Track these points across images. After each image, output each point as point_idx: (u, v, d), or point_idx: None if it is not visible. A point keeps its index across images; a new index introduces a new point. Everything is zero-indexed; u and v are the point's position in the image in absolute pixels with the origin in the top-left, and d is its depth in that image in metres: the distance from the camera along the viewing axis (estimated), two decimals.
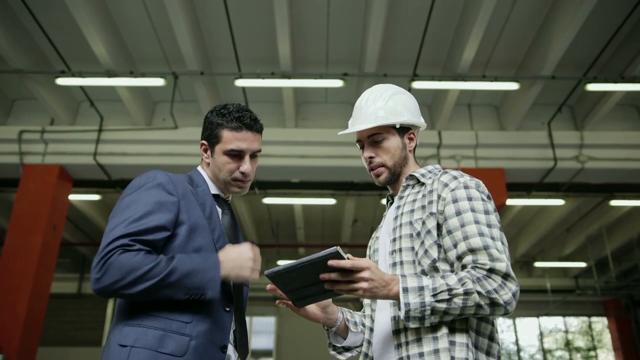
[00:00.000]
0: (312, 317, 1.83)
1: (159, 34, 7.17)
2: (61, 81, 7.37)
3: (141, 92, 8.17)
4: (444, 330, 1.53)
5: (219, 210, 1.86)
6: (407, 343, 1.57)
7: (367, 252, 1.96)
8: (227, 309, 1.73)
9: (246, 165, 1.85)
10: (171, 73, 7.38)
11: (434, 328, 1.54)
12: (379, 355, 1.71)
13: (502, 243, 1.58)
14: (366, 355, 1.77)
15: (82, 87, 7.77)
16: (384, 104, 1.84)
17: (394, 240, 1.73)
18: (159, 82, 7.34)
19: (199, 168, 1.94)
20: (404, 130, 1.86)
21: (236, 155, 1.84)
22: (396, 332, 1.62)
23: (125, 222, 1.60)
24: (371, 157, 1.85)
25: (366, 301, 1.87)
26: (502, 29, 6.99)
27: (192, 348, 1.59)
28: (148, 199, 1.65)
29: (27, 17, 6.60)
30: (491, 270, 1.49)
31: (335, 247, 1.41)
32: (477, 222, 1.58)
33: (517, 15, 6.79)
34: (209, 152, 1.89)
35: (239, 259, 1.65)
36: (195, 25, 6.87)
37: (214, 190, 1.89)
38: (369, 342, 1.78)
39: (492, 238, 1.56)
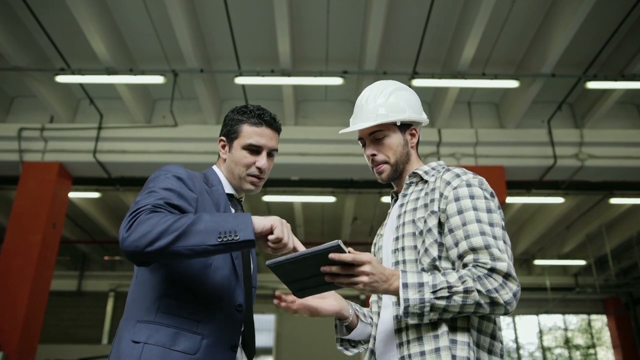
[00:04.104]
0: (328, 309, 1.81)
1: (158, 32, 7.16)
2: (61, 79, 7.36)
3: (141, 89, 8.16)
4: (445, 329, 1.52)
5: (232, 210, 1.87)
6: (408, 342, 1.57)
7: (372, 249, 1.96)
8: (239, 309, 1.73)
9: (263, 161, 1.87)
10: (171, 71, 7.38)
11: (435, 327, 1.53)
12: (381, 353, 1.71)
13: (504, 242, 1.57)
14: (372, 351, 1.77)
15: (81, 85, 7.77)
16: (384, 100, 1.83)
17: (397, 238, 1.72)
18: (158, 79, 7.34)
19: (214, 167, 1.95)
20: (405, 126, 1.85)
21: (254, 150, 1.86)
22: (398, 331, 1.61)
23: (151, 197, 1.60)
24: (373, 155, 1.85)
25: (372, 298, 1.87)
26: (502, 26, 6.99)
27: (203, 346, 1.59)
28: (171, 185, 1.66)
29: (26, 15, 6.59)
30: (492, 270, 1.48)
31: (337, 240, 1.41)
32: (478, 220, 1.57)
33: (517, 13, 6.79)
34: (226, 147, 1.92)
35: (267, 217, 1.60)
36: (195, 22, 6.86)
37: (228, 189, 1.89)
38: (375, 338, 1.78)
39: (494, 237, 1.55)
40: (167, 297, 1.63)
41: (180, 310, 1.61)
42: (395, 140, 1.83)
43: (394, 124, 1.82)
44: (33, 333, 7.27)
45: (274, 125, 1.91)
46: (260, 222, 1.54)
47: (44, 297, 7.63)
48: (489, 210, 1.60)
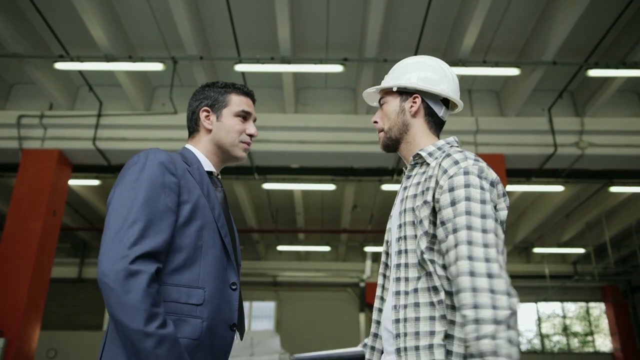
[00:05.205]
0: None
1: (158, 19, 7.11)
2: (60, 66, 7.33)
3: (140, 76, 8.13)
4: (442, 326, 1.49)
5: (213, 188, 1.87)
6: (405, 334, 1.53)
7: (387, 226, 1.90)
8: (233, 287, 1.74)
9: (254, 128, 1.96)
10: (170, 58, 7.34)
11: (432, 322, 1.50)
12: (385, 340, 1.68)
13: (496, 235, 1.47)
14: (375, 335, 1.76)
15: (80, 72, 7.73)
16: (392, 70, 1.88)
17: (400, 226, 1.68)
18: (158, 66, 7.30)
19: (189, 146, 1.93)
20: (407, 95, 1.80)
21: (244, 117, 1.93)
22: (396, 322, 1.58)
23: (134, 210, 1.55)
24: (375, 122, 1.88)
25: (379, 281, 1.82)
26: (504, 14, 6.95)
27: (205, 329, 1.59)
28: (151, 178, 1.62)
29: (25, 2, 6.54)
30: (477, 321, 1.36)
31: (362, 349, 1.70)
32: (468, 212, 1.48)
33: (519, 1, 6.74)
34: (212, 118, 1.91)
35: None
36: (195, 9, 6.82)
37: (207, 167, 1.88)
38: (378, 323, 1.76)
39: (484, 231, 1.45)
40: (161, 284, 1.59)
41: (177, 296, 1.60)
42: (390, 107, 1.82)
43: (395, 91, 1.82)
44: (34, 320, 7.31)
45: (254, 97, 2.02)
46: None
47: (45, 284, 7.66)
48: (482, 202, 1.50)
